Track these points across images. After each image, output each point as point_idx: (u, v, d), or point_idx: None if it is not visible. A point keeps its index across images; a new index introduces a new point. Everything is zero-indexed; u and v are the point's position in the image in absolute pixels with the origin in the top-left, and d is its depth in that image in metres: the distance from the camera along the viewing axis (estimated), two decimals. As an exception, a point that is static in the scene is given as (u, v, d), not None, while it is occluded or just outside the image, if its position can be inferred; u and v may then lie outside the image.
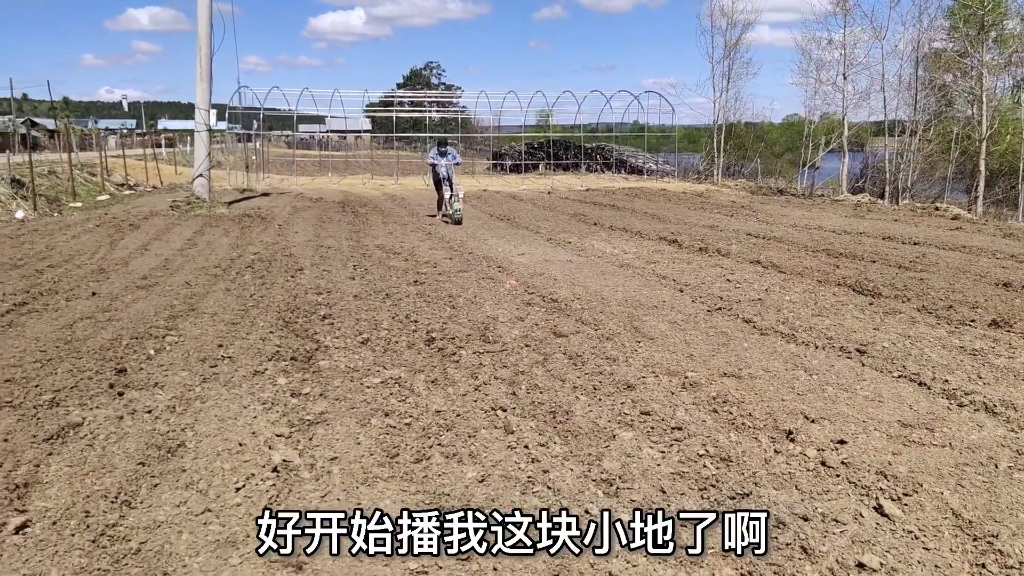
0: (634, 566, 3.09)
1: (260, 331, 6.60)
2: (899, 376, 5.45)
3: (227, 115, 33.42)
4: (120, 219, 15.51)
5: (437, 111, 49.90)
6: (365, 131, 66.33)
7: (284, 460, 3.96)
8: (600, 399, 4.95)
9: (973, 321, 7.00)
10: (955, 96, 29.86)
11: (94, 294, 8.06)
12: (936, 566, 3.12)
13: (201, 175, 19.08)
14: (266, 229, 14.25)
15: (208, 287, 8.52)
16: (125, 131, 63.75)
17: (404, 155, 45.08)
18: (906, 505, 3.58)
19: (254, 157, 32.99)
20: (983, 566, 3.08)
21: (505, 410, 4.73)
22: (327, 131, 58.88)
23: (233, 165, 30.60)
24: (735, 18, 33.90)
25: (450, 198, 15.46)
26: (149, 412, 4.64)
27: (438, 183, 16.03)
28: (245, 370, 5.50)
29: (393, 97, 46.60)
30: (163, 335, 6.43)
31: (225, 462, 3.97)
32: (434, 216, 16.51)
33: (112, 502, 3.50)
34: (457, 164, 16.33)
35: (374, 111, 49.19)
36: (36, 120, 60.05)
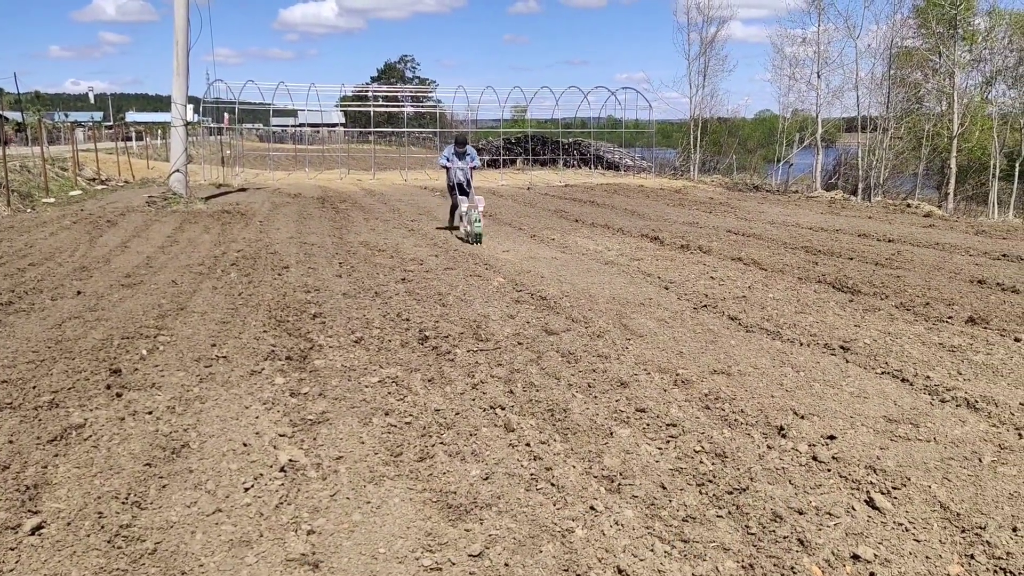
0: (641, 560, 3.19)
1: (252, 330, 6.63)
2: (882, 372, 5.61)
3: (200, 108, 33.12)
4: (96, 215, 15.36)
5: (412, 106, 49.77)
6: (340, 125, 65.94)
7: (290, 460, 4.01)
8: (596, 396, 5.05)
9: (950, 318, 7.21)
10: (925, 93, 30.38)
11: (79, 293, 8.02)
12: (927, 557, 3.25)
13: (178, 170, 18.92)
14: (247, 226, 14.19)
15: (195, 285, 8.51)
16: (91, 124, 62.67)
17: (380, 149, 44.92)
18: (896, 498, 3.72)
19: (228, 151, 32.71)
20: (972, 557, 3.23)
21: (504, 408, 4.82)
22: (300, 124, 58.46)
23: (207, 159, 30.31)
24: (710, 14, 34.17)
25: (468, 210, 12.53)
26: (150, 413, 4.67)
27: (452, 189, 13.46)
28: (242, 370, 5.54)
29: (368, 91, 46.35)
30: (154, 335, 6.43)
31: (231, 462, 4.02)
32: (446, 229, 13.90)
33: (123, 503, 3.54)
34: (475, 168, 13.58)
35: (348, 105, 48.89)
36: (2, 114, 58.82)
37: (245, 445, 4.22)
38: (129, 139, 44.70)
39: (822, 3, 29.60)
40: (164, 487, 3.77)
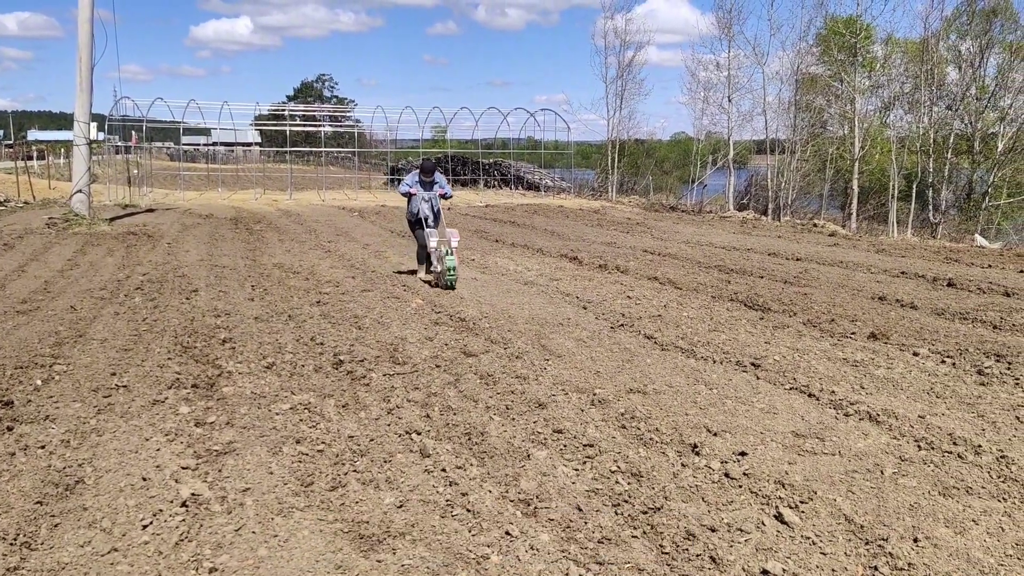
0: (556, 585, 3.16)
1: (156, 357, 6.36)
2: (790, 388, 5.77)
3: (106, 126, 31.95)
4: (-8, 237, 14.56)
5: (331, 125, 49.20)
6: (255, 144, 64.59)
7: (193, 494, 3.83)
8: (513, 418, 5.02)
9: (853, 334, 7.48)
10: (829, 118, 31.84)
11: (-31, 320, 7.55)
12: (833, 570, 3.32)
13: (80, 191, 18.15)
14: (154, 248, 13.68)
15: (95, 311, 8.12)
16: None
17: (297, 169, 44.16)
18: (803, 512, 3.80)
19: (136, 171, 31.59)
20: (875, 568, 3.31)
21: (420, 433, 4.73)
22: (213, 143, 56.98)
23: (112, 179, 29.20)
24: (627, 39, 35.01)
25: (437, 248, 10.13)
26: (42, 447, 4.40)
27: (417, 224, 10.78)
28: (143, 399, 5.29)
29: (284, 110, 45.61)
30: (50, 364, 6.10)
31: (129, 498, 3.82)
32: (406, 273, 11.28)
33: (11, 544, 3.31)
34: (447, 196, 10.90)
35: (264, 124, 47.99)
36: None
37: (144, 479, 4.02)
38: (30, 158, 42.65)
39: (732, 30, 30.75)
40: (56, 526, 3.54)
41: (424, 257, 10.70)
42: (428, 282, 10.34)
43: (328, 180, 35.56)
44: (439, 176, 10.96)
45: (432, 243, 10.23)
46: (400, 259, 12.73)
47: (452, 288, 9.67)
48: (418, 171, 10.83)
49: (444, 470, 4.20)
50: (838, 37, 29.06)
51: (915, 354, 6.73)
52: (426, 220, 10.58)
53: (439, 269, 9.96)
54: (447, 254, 9.71)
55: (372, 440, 4.63)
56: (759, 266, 12.22)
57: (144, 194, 28.31)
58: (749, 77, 49.53)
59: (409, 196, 10.79)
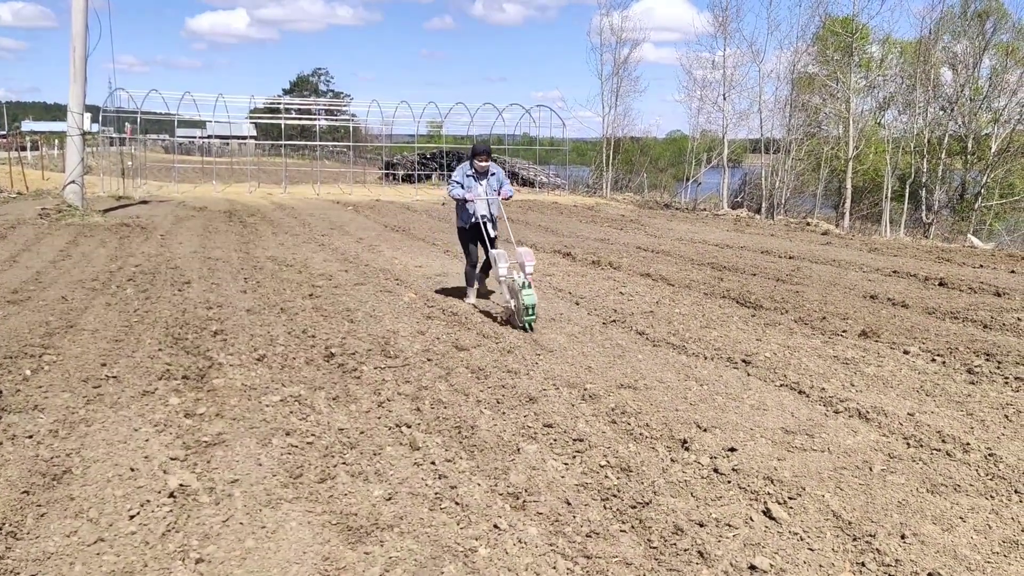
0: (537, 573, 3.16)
1: (147, 348, 6.34)
2: (781, 385, 5.78)
3: (100, 117, 31.80)
4: (-17, 227, 14.48)
5: (326, 119, 49.06)
6: (251, 137, 64.39)
7: (181, 484, 3.82)
8: (504, 412, 5.02)
9: (845, 332, 7.50)
10: (824, 118, 31.91)
11: (-42, 310, 7.52)
12: (820, 566, 3.33)
13: (73, 181, 18.06)
14: (147, 239, 13.63)
15: (87, 302, 8.09)
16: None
17: (292, 162, 44.03)
18: (791, 508, 3.81)
19: (130, 163, 31.47)
20: (863, 564, 3.32)
21: (410, 426, 4.73)
22: (208, 136, 56.71)
23: (107, 170, 29.08)
24: (623, 36, 34.98)
25: (508, 274, 7.61)
26: (30, 437, 4.38)
27: (471, 232, 8.42)
28: (133, 390, 5.27)
29: (280, 103, 45.44)
30: (39, 354, 6.08)
31: (117, 488, 3.80)
32: (455, 296, 8.98)
33: (-5, 535, 3.29)
34: (508, 199, 8.41)
35: (259, 117, 47.83)
36: None
37: (132, 470, 4.00)
38: (24, 149, 42.42)
39: (728, 28, 30.77)
40: (43, 516, 3.53)
41: (474, 277, 8.64)
42: (503, 320, 7.67)
43: (323, 174, 35.47)
44: (497, 168, 8.39)
45: (503, 268, 7.67)
46: (394, 252, 12.71)
47: (530, 330, 7.24)
48: (469, 161, 8.25)
49: (433, 463, 4.20)
50: (835, 37, 29.11)
51: (905, 352, 6.75)
52: (485, 227, 8.18)
53: (513, 304, 7.52)
54: (524, 287, 7.20)
55: (362, 432, 4.62)
56: (752, 264, 12.23)
57: (138, 186, 28.22)
58: (745, 75, 49.61)
59: (460, 200, 8.18)
